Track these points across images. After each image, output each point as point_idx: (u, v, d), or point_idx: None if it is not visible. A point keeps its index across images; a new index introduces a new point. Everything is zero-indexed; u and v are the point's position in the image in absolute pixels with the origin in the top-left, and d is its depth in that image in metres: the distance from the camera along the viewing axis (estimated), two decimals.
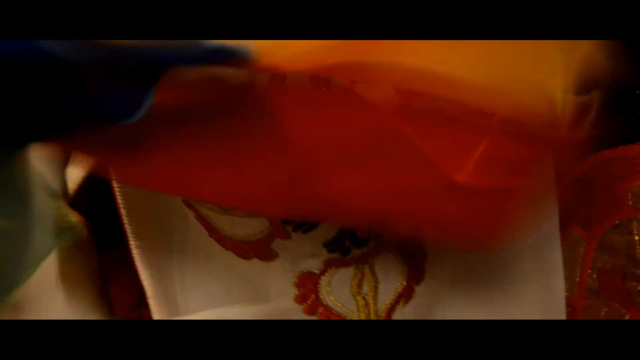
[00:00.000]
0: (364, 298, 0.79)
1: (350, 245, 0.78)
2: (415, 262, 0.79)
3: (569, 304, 0.80)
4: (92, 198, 0.84)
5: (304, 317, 0.79)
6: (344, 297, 0.79)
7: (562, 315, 0.79)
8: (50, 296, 0.78)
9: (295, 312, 0.79)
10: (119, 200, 0.80)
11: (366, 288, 0.79)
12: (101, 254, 0.85)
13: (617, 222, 0.80)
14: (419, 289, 0.79)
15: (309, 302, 0.79)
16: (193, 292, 0.81)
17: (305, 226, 0.77)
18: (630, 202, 0.80)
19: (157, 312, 0.81)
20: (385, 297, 0.79)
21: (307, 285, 0.79)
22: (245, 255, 0.79)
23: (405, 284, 0.79)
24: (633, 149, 0.79)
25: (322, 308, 0.79)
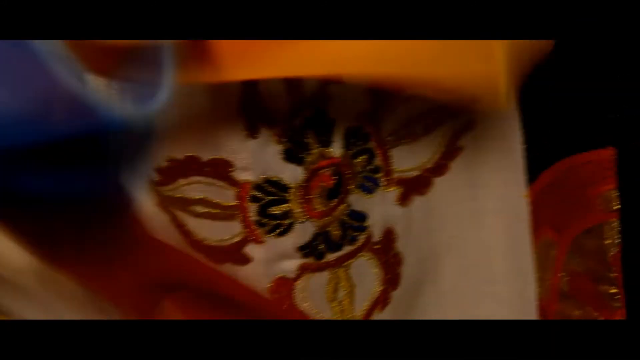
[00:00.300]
0: (339, 304, 0.78)
1: (325, 249, 0.78)
2: (391, 266, 0.79)
3: (541, 307, 0.81)
4: None
5: None
6: (319, 303, 0.78)
7: (533, 318, 0.80)
8: None
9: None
10: None
11: (342, 293, 0.78)
12: None
13: (588, 226, 0.81)
14: (395, 294, 0.79)
15: (284, 309, 0.78)
16: None
17: (280, 229, 0.77)
18: (601, 207, 0.80)
19: None
20: (362, 302, 0.78)
21: (281, 291, 0.78)
22: (219, 261, 0.78)
23: (381, 289, 0.79)
24: (604, 154, 0.80)
25: (297, 315, 0.78)
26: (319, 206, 0.76)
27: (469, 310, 0.79)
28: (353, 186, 0.77)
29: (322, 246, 0.78)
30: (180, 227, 0.77)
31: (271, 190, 0.75)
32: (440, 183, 0.78)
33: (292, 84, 0.73)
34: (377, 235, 0.78)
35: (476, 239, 0.79)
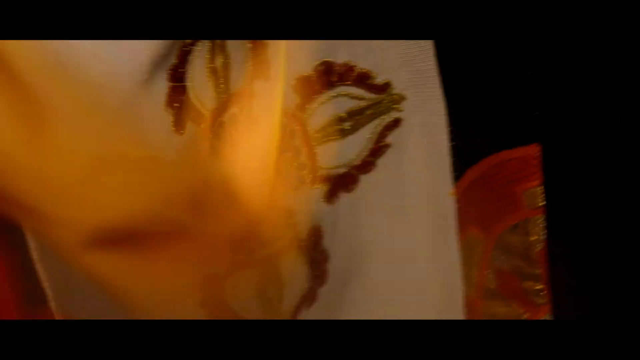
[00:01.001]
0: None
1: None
2: (318, 263, 0.79)
3: (467, 304, 0.82)
4: None
5: None
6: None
7: (460, 314, 0.81)
8: None
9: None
10: None
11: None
12: None
13: (514, 222, 0.82)
14: (322, 291, 0.79)
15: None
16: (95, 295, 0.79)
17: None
18: (526, 203, 0.81)
19: (60, 314, 0.79)
20: (290, 300, 0.79)
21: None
22: None
23: (309, 286, 0.79)
24: (529, 150, 0.81)
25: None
26: None
27: (396, 307, 0.79)
28: None
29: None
30: None
31: None
32: (366, 180, 0.78)
33: (219, 81, 0.74)
34: (303, 232, 0.79)
35: (402, 236, 0.79)
